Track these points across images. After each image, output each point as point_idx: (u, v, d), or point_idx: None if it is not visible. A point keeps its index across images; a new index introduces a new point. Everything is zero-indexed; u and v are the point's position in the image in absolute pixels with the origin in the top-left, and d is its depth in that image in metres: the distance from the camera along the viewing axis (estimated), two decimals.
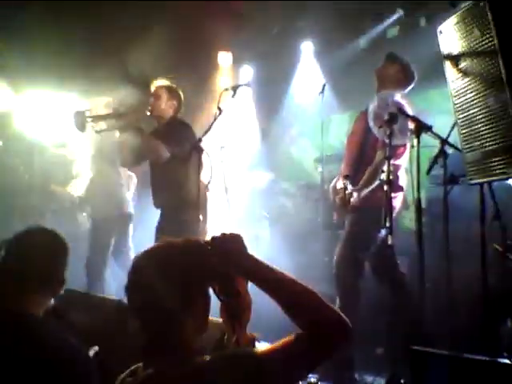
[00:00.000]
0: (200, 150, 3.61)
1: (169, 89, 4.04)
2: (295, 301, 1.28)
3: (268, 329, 1.62)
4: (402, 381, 2.84)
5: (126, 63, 5.39)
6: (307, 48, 6.68)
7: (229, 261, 1.38)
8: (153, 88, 4.06)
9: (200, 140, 3.63)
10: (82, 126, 3.69)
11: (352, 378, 3.22)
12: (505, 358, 1.79)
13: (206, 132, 3.65)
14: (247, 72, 6.97)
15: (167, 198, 3.87)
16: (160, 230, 3.88)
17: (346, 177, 3.55)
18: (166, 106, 4.01)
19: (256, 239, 5.22)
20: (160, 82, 4.08)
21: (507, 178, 2.70)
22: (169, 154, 3.74)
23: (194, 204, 3.45)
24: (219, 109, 3.65)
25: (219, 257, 1.38)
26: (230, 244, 1.38)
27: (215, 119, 3.65)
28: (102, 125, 3.92)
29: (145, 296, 1.30)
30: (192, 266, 1.35)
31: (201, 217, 3.54)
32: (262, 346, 1.30)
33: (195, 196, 3.45)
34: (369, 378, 3.22)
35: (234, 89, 3.78)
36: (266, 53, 6.69)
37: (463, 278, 3.08)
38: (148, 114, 3.88)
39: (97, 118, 3.81)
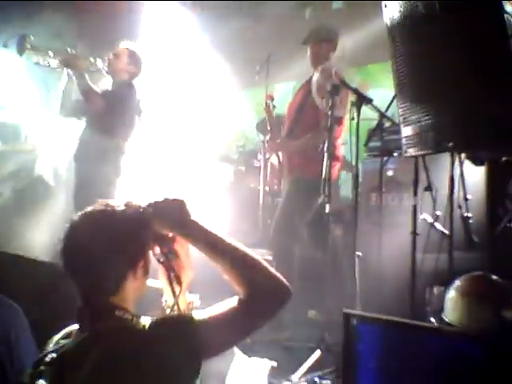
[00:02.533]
0: (139, 111, 3.56)
1: (131, 53, 3.92)
2: (237, 265, 1.30)
3: (208, 291, 1.63)
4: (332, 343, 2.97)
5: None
6: None
7: (170, 224, 1.37)
8: (117, 47, 3.92)
9: (139, 100, 3.58)
10: (21, 50, 3.46)
11: (285, 337, 3.32)
12: (432, 321, 1.91)
13: (147, 92, 3.60)
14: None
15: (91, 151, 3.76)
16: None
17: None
18: (123, 68, 3.87)
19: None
20: (125, 44, 3.94)
21: (440, 152, 2.82)
22: (104, 107, 3.62)
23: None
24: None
25: (160, 220, 1.37)
26: (172, 208, 1.37)
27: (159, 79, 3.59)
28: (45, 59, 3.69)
29: (83, 258, 1.27)
30: (131, 229, 1.33)
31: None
32: (201, 310, 1.31)
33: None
34: (302, 340, 3.32)
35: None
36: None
37: (394, 246, 3.22)
38: (101, 68, 3.71)
39: (39, 49, 3.58)
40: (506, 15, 2.31)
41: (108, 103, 3.63)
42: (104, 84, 3.94)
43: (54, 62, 3.55)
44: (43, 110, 5.67)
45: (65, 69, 3.61)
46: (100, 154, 3.66)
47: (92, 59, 3.64)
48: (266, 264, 1.30)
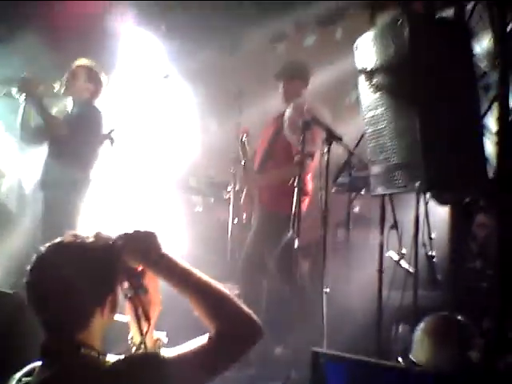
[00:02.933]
0: (112, 140, 3.54)
1: (89, 70, 3.81)
2: (209, 301, 1.28)
3: (177, 328, 1.61)
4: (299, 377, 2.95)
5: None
6: None
7: (140, 258, 1.35)
8: (73, 66, 3.84)
9: (112, 130, 3.55)
10: None
11: (250, 375, 3.27)
12: (399, 361, 1.92)
13: (119, 122, 3.59)
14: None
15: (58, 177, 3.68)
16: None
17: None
18: (82, 88, 3.77)
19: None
20: (81, 62, 3.83)
21: (407, 191, 2.89)
22: (66, 132, 3.56)
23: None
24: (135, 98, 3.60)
25: (130, 253, 1.34)
26: (143, 241, 1.35)
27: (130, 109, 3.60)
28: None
29: (50, 292, 1.23)
30: (101, 262, 1.30)
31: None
32: (168, 348, 1.29)
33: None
34: (268, 378, 3.28)
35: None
36: None
37: (361, 283, 3.25)
38: (59, 90, 3.66)
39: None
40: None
41: (70, 128, 3.57)
42: (66, 106, 3.85)
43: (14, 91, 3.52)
44: (6, 134, 5.55)
45: (21, 95, 3.55)
46: (66, 181, 3.59)
47: (54, 84, 3.60)
48: (238, 301, 1.29)
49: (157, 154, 5.81)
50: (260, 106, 6.22)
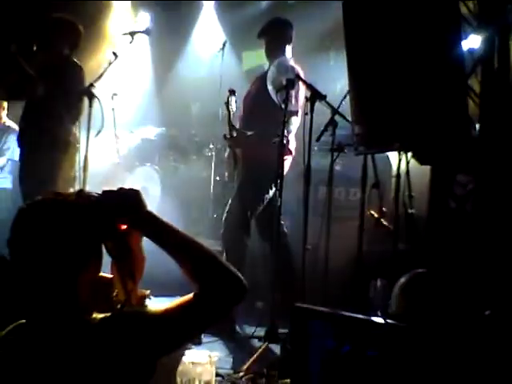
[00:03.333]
0: (92, 96, 3.45)
1: (66, 23, 3.71)
2: (193, 259, 1.29)
3: (161, 285, 1.63)
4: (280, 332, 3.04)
5: None
6: (208, 2, 6.55)
7: (124, 216, 1.34)
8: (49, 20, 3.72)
9: (92, 85, 3.46)
10: None
11: (233, 329, 3.36)
12: (378, 316, 1.98)
13: (98, 77, 3.49)
14: (144, 19, 6.66)
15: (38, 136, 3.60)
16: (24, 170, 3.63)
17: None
18: (60, 41, 3.68)
19: (145, 193, 5.12)
20: (57, 15, 3.73)
21: (388, 151, 2.92)
22: (43, 92, 3.48)
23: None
24: (114, 54, 3.50)
25: (114, 211, 1.34)
26: (127, 199, 1.34)
27: (109, 64, 3.50)
28: None
29: (33, 252, 1.23)
30: (83, 222, 1.29)
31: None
32: (153, 304, 1.31)
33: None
34: (249, 330, 3.36)
35: (132, 35, 3.63)
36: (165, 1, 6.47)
37: (342, 239, 3.31)
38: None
39: None
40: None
41: (47, 84, 3.48)
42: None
43: None
44: None
45: None
46: (44, 139, 3.52)
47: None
48: (223, 260, 1.30)
49: (141, 109, 5.75)
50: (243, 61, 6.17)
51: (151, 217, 1.33)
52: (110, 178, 4.92)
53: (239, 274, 1.28)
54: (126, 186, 1.37)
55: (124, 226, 1.37)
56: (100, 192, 1.35)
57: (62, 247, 1.23)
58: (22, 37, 3.59)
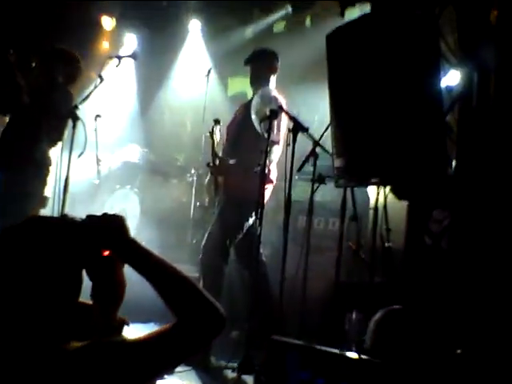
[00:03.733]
0: (75, 118, 3.46)
1: (67, 54, 3.84)
2: (175, 290, 1.29)
3: (140, 313, 1.62)
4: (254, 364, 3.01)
5: None
6: (195, 26, 6.65)
7: (107, 242, 1.34)
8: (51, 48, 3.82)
9: (76, 107, 3.47)
10: None
11: (207, 359, 3.32)
12: (353, 351, 2.00)
13: (83, 99, 3.50)
14: (131, 41, 6.72)
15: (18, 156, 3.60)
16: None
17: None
18: (57, 70, 3.76)
19: (124, 215, 5.09)
20: (60, 46, 3.88)
21: (367, 185, 2.97)
22: (27, 101, 3.50)
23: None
24: (100, 77, 3.53)
25: (96, 237, 1.34)
26: (111, 225, 1.34)
27: (95, 87, 3.52)
28: None
29: (11, 276, 1.22)
30: (65, 246, 1.28)
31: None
32: (132, 332, 1.30)
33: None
34: (223, 360, 3.33)
35: (119, 58, 3.67)
36: (152, 24, 6.54)
37: (320, 270, 3.33)
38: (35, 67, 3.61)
39: None
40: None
41: (33, 106, 3.50)
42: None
43: None
44: None
45: None
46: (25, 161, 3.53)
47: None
48: (203, 291, 1.30)
49: (120, 133, 5.75)
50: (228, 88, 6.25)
51: (134, 244, 1.33)
52: (89, 199, 4.89)
53: (218, 306, 1.28)
54: (107, 209, 1.38)
55: (106, 252, 1.38)
56: (84, 217, 1.35)
57: (43, 271, 1.23)
58: (22, 49, 3.65)
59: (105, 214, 1.35)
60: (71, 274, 1.30)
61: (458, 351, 1.55)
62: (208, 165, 3.74)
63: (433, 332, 1.83)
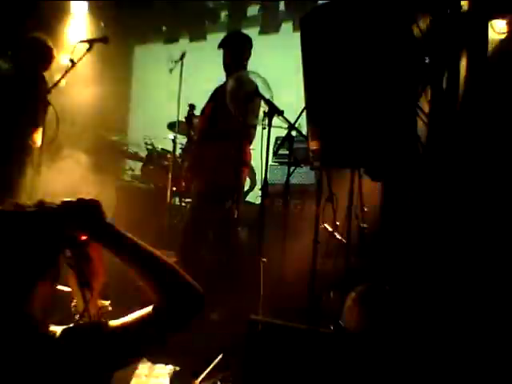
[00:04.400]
0: (47, 104, 3.41)
1: (39, 42, 3.82)
2: (153, 272, 1.30)
3: (121, 298, 1.63)
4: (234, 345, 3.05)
5: None
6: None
7: (84, 227, 1.34)
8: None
9: (49, 92, 3.43)
10: None
11: (187, 341, 3.34)
12: (330, 328, 2.04)
13: (55, 84, 3.46)
14: (102, 26, 6.59)
15: None
16: None
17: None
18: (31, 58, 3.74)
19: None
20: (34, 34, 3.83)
21: (342, 167, 3.00)
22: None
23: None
24: (72, 61, 3.48)
25: (73, 222, 1.34)
26: (87, 210, 1.34)
27: (66, 72, 3.47)
28: None
29: None
30: (43, 232, 1.29)
31: None
32: (113, 318, 1.31)
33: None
34: (204, 343, 3.35)
35: (91, 42, 3.62)
36: (122, 7, 6.44)
37: (296, 252, 3.37)
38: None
39: None
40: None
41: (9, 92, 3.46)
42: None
43: None
44: None
45: None
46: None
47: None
48: (182, 272, 1.32)
49: (95, 119, 5.67)
50: (200, 72, 6.20)
51: (111, 228, 1.34)
52: (63, 186, 4.83)
53: (198, 287, 1.31)
54: (85, 196, 1.37)
55: (84, 237, 1.38)
56: (59, 202, 1.35)
57: (19, 257, 1.23)
58: None
59: (80, 199, 1.36)
60: (49, 259, 1.31)
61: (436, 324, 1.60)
62: (183, 150, 3.74)
63: (407, 306, 1.89)
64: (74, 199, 1.36)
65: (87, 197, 1.38)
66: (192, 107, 3.63)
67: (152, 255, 1.32)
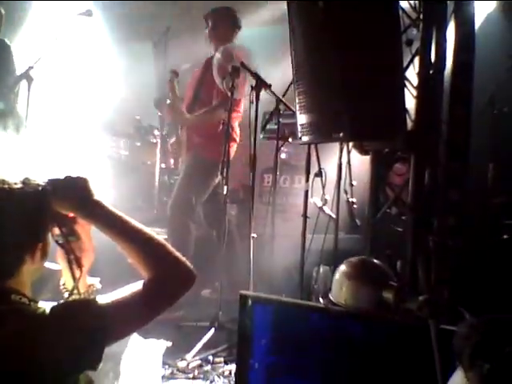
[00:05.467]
0: (30, 79, 3.35)
1: None
2: (142, 248, 1.30)
3: (111, 275, 1.63)
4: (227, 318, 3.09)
5: None
6: None
7: (72, 204, 1.33)
8: None
9: (31, 68, 3.37)
10: None
11: (178, 317, 3.37)
12: (320, 302, 2.07)
13: (38, 60, 3.39)
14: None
15: None
16: None
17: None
18: None
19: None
20: None
21: (330, 141, 2.98)
22: None
23: None
24: (55, 38, 3.41)
25: (61, 199, 1.32)
26: (75, 186, 1.33)
27: (50, 47, 3.41)
28: None
29: None
30: (29, 208, 1.27)
31: None
32: (103, 294, 1.31)
33: None
34: (195, 317, 3.38)
35: (74, 17, 3.54)
36: None
37: (286, 227, 3.39)
38: None
39: None
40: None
41: None
42: None
43: None
44: None
45: None
46: None
47: None
48: (170, 247, 1.32)
49: (80, 96, 5.58)
50: (186, 46, 6.10)
51: (99, 205, 1.33)
52: (49, 164, 4.78)
53: (187, 262, 1.31)
54: (74, 174, 1.36)
55: (72, 215, 1.37)
56: (46, 179, 1.33)
57: (6, 235, 1.22)
58: None
59: (68, 177, 1.34)
60: (37, 235, 1.30)
61: (421, 298, 1.62)
62: (168, 112, 3.71)
63: (395, 278, 1.91)
64: (61, 176, 1.34)
65: (75, 173, 1.36)
66: (175, 73, 3.58)
67: (141, 232, 1.32)
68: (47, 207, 1.30)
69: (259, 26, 5.30)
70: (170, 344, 2.36)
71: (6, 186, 1.26)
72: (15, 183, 1.28)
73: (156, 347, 2.31)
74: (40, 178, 1.33)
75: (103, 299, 1.24)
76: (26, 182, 1.29)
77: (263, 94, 3.18)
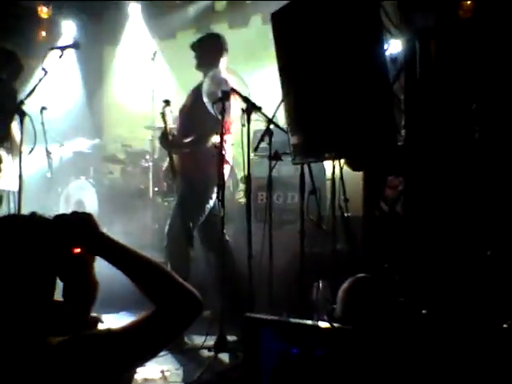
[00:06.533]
0: (22, 113, 3.37)
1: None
2: (150, 279, 1.32)
3: (111, 304, 1.64)
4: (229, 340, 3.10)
5: None
6: (135, 10, 6.51)
7: (78, 239, 1.35)
8: None
9: (22, 103, 3.38)
10: None
11: (182, 342, 3.37)
12: (324, 320, 2.08)
13: (29, 94, 3.41)
14: (69, 29, 6.51)
15: None
16: None
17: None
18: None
19: (79, 205, 5.04)
20: None
21: (323, 160, 3.04)
22: None
23: None
24: (44, 70, 3.44)
25: (67, 234, 1.34)
26: (81, 222, 1.35)
27: (40, 80, 3.43)
28: None
29: None
30: (36, 246, 1.29)
31: None
32: (112, 326, 1.32)
33: None
34: (198, 340, 3.39)
35: (61, 49, 3.57)
36: (89, 10, 6.37)
37: (283, 244, 3.41)
38: None
39: None
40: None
41: None
42: None
43: None
44: None
45: None
46: None
47: None
48: (178, 277, 1.34)
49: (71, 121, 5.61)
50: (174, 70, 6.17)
51: (105, 238, 1.35)
52: (43, 193, 4.79)
53: (194, 291, 1.33)
54: (63, 201, 1.39)
55: (77, 250, 1.39)
56: (52, 215, 1.36)
57: (16, 271, 1.23)
58: None
59: (74, 212, 1.37)
60: (44, 272, 1.31)
61: (424, 312, 1.65)
62: (160, 141, 3.75)
63: (399, 295, 1.94)
64: (66, 213, 1.37)
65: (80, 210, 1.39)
66: (167, 103, 3.62)
67: (147, 262, 1.34)
68: (54, 242, 1.32)
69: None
70: (173, 368, 2.35)
71: (13, 222, 1.28)
72: (23, 218, 1.31)
73: (162, 374, 2.30)
74: (46, 215, 1.36)
75: (114, 330, 1.25)
76: (32, 216, 1.32)
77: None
